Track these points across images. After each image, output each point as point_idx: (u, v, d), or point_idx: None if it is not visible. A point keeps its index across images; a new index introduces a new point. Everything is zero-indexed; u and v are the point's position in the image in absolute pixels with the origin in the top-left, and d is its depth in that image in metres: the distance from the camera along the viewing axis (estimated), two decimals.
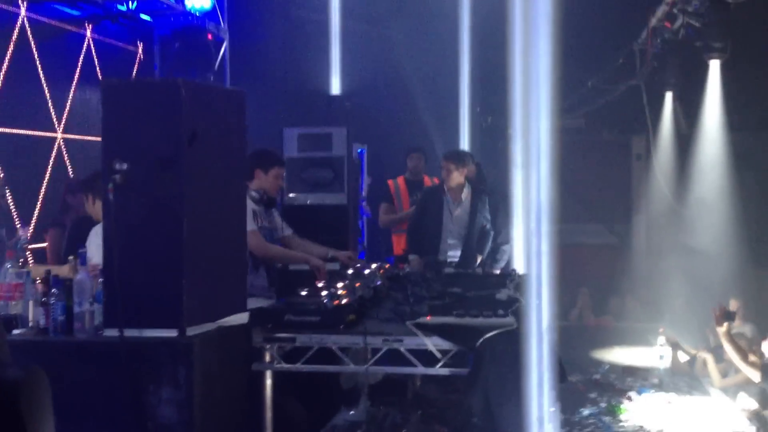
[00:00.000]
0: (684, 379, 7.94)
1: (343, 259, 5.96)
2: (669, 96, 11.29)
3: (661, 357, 8.13)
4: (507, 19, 5.33)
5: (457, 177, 7.67)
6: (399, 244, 8.66)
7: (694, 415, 6.78)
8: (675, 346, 8.22)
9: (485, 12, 10.34)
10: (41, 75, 7.70)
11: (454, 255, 7.66)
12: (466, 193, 7.72)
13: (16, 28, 7.35)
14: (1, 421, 2.17)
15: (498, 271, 7.24)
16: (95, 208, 5.11)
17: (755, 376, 6.76)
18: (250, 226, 5.46)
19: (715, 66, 9.61)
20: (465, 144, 10.56)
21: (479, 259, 7.54)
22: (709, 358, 7.61)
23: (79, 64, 8.34)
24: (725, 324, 6.86)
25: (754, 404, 6.69)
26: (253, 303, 4.60)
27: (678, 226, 10.91)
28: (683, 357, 8.30)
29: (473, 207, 7.67)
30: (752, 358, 6.86)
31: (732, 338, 6.92)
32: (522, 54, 5.04)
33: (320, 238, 6.23)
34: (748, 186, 10.46)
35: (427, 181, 8.78)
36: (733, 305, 7.62)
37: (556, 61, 4.67)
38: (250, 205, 5.63)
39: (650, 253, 11.88)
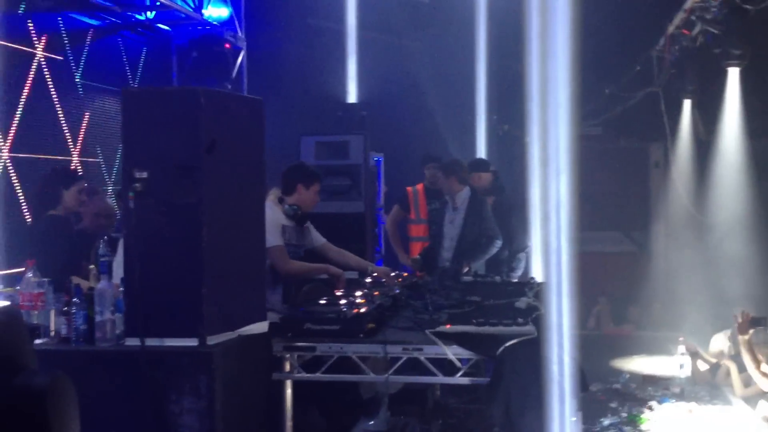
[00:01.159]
0: (705, 388, 7.88)
1: (381, 275, 5.94)
2: (687, 103, 11.23)
3: (682, 366, 8.08)
4: (524, 26, 5.31)
5: (446, 185, 7.84)
6: (415, 252, 8.66)
7: (715, 424, 6.73)
8: (695, 355, 8.17)
9: (502, 20, 10.34)
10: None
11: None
12: (461, 200, 7.81)
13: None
14: (28, 427, 2.18)
15: (516, 279, 7.23)
16: None
17: (765, 385, 6.70)
18: (277, 241, 5.45)
19: (734, 73, 9.56)
20: (482, 152, 10.55)
21: (466, 268, 7.51)
22: (733, 367, 7.54)
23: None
24: (750, 331, 6.80)
25: None
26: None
27: (697, 234, 10.85)
28: (703, 366, 8.24)
29: (467, 213, 7.74)
30: (765, 368, 6.80)
31: (751, 347, 6.86)
32: (539, 61, 5.02)
33: (338, 246, 6.20)
34: (767, 193, 10.39)
35: None
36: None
37: (574, 68, 4.64)
38: (281, 220, 5.61)
39: (669, 260, 11.81)
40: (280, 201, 5.71)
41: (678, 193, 11.36)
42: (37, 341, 4.03)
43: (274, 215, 5.53)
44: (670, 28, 9.87)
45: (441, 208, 8.01)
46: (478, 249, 7.77)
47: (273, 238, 5.42)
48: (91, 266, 4.41)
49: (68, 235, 6.05)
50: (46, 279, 4.19)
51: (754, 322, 6.79)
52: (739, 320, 6.84)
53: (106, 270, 4.12)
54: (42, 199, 6.19)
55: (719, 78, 9.77)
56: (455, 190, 7.88)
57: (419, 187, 8.83)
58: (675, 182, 11.44)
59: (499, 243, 7.81)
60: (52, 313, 4.13)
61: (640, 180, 12.63)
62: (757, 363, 6.81)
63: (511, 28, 7.60)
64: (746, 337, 6.79)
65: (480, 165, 8.63)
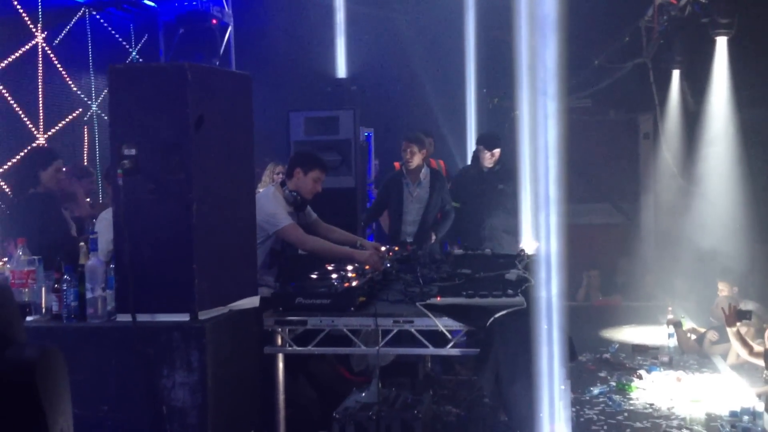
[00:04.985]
0: (693, 357, 7.97)
1: (369, 250, 5.92)
2: (676, 73, 11.24)
3: (670, 335, 8.16)
4: None
5: (418, 159, 7.81)
6: None
7: (703, 392, 6.80)
8: (677, 326, 8.27)
9: None
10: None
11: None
12: (424, 174, 7.84)
13: None
14: (18, 399, 2.19)
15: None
16: None
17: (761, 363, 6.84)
18: (288, 219, 5.46)
19: (722, 42, 9.57)
20: (471, 125, 10.55)
21: (433, 238, 7.60)
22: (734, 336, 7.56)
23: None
24: (737, 324, 6.95)
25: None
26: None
27: (686, 204, 10.89)
28: (692, 335, 8.33)
29: (431, 187, 7.78)
30: (757, 348, 6.94)
31: (741, 337, 7.00)
32: (528, 34, 5.03)
33: (329, 222, 6.21)
34: (756, 162, 10.42)
35: (433, 163, 8.75)
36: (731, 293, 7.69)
37: (562, 40, 4.65)
38: (284, 205, 5.61)
39: (658, 231, 11.87)
40: (282, 185, 5.70)
41: (667, 164, 11.39)
42: (29, 318, 4.05)
43: (276, 200, 5.56)
44: None
45: (397, 186, 7.90)
46: (443, 220, 7.87)
47: (283, 217, 5.44)
48: (81, 243, 4.41)
49: (50, 211, 6.06)
50: (36, 257, 4.20)
51: (740, 315, 6.96)
52: (728, 313, 6.99)
53: (96, 247, 4.13)
54: (21, 179, 6.23)
55: (708, 48, 9.77)
56: (421, 164, 7.86)
57: None
58: (664, 153, 11.47)
59: (452, 213, 7.91)
60: (43, 291, 4.15)
61: (629, 151, 12.66)
62: (749, 348, 6.99)
63: (499, 1, 7.58)
64: (734, 329, 6.98)
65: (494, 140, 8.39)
